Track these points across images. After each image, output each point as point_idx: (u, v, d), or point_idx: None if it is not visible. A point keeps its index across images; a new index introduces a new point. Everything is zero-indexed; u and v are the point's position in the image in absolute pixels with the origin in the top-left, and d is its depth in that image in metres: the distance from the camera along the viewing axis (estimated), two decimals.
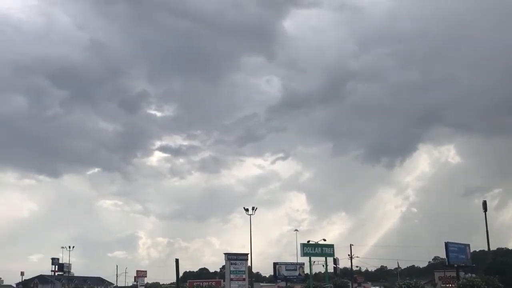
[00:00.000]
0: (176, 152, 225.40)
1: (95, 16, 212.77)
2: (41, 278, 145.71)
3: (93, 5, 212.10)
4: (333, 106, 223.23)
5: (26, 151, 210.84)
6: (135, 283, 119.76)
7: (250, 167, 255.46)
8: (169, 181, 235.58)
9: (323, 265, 69.75)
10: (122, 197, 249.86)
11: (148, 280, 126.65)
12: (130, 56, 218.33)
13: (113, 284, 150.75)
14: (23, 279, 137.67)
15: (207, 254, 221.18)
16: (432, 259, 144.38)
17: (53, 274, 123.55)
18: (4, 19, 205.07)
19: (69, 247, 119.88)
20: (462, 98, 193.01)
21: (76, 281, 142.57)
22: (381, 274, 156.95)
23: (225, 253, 66.69)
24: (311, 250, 63.69)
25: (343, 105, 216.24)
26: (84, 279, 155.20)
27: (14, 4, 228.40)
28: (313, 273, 77.55)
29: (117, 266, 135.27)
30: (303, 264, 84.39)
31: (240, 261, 65.39)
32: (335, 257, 79.59)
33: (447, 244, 61.82)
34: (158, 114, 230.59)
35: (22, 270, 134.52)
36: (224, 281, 79.30)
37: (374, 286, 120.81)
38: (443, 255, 70.03)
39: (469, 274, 66.50)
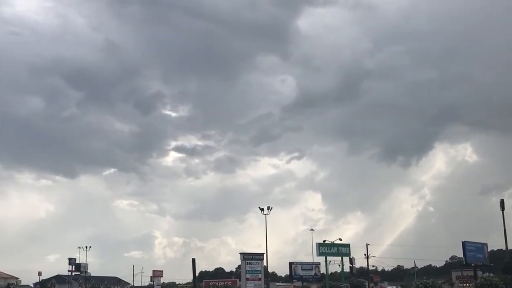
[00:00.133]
0: (191, 152, 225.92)
1: (110, 17, 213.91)
2: (58, 278, 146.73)
3: (107, 6, 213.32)
4: (348, 105, 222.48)
5: (43, 152, 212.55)
6: (151, 283, 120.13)
7: (265, 167, 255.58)
8: (185, 181, 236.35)
9: (339, 265, 69.54)
10: (138, 197, 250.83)
11: (164, 279, 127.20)
12: (144, 56, 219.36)
13: (130, 284, 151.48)
14: (40, 279, 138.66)
15: (223, 253, 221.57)
16: (449, 259, 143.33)
17: (70, 274, 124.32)
18: (20, 21, 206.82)
19: (86, 247, 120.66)
20: (479, 96, 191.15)
21: (93, 281, 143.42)
22: (398, 273, 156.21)
23: (240, 253, 66.68)
24: (327, 249, 63.61)
25: (358, 104, 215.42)
26: (101, 279, 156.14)
27: (29, 6, 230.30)
28: (329, 272, 77.38)
29: (133, 266, 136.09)
30: (319, 263, 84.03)
31: (255, 261, 65.30)
32: (351, 257, 79.31)
33: (464, 243, 61.36)
34: (173, 114, 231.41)
35: (40, 270, 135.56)
36: (240, 280, 79.23)
37: (390, 285, 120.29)
38: (460, 254, 69.57)
39: (487, 274, 66.01)
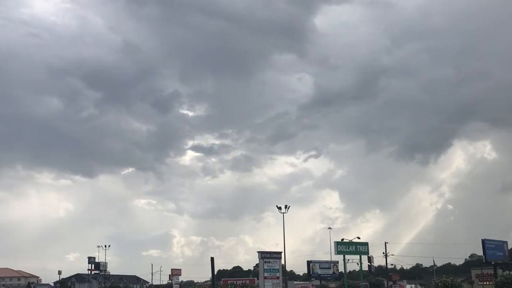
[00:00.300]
0: (208, 151, 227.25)
1: (127, 17, 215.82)
2: (78, 277, 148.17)
3: (125, 7, 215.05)
4: (365, 103, 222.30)
5: (62, 152, 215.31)
6: (170, 281, 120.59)
7: (282, 165, 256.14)
8: (202, 180, 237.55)
9: (358, 263, 69.21)
10: (156, 196, 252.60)
11: (183, 278, 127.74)
12: (162, 56, 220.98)
13: (148, 282, 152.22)
14: (60, 278, 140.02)
15: (241, 252, 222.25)
16: (469, 257, 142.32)
17: (89, 272, 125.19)
18: (39, 22, 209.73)
19: (105, 246, 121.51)
20: (497, 92, 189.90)
21: (112, 280, 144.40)
22: (417, 272, 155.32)
23: (258, 252, 66.61)
24: (345, 248, 63.37)
25: (376, 102, 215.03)
26: (120, 278, 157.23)
27: (48, 7, 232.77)
28: (348, 271, 77.12)
29: (152, 264, 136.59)
30: (337, 262, 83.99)
31: (273, 260, 65.24)
32: (369, 255, 78.78)
33: (484, 241, 60.88)
34: (190, 113, 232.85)
35: (60, 269, 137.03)
36: (258, 279, 79.30)
37: (409, 284, 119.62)
38: (480, 252, 69.13)
39: (507, 272, 65.26)
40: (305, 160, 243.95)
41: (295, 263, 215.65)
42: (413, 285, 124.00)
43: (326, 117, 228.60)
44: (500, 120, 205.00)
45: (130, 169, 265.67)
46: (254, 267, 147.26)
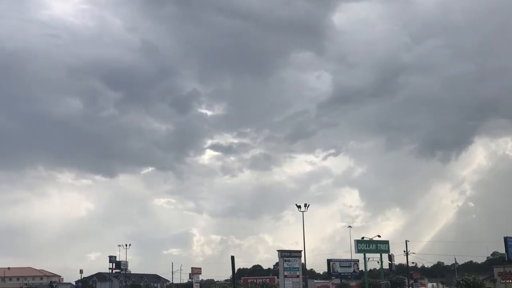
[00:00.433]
0: (227, 150, 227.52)
1: (145, 17, 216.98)
2: (99, 276, 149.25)
3: (143, 7, 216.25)
4: (385, 100, 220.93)
5: (82, 152, 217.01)
6: (190, 280, 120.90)
7: (301, 164, 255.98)
8: (221, 179, 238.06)
9: (378, 262, 68.88)
10: (176, 195, 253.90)
11: (203, 277, 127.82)
12: (180, 56, 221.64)
13: (169, 281, 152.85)
14: (82, 277, 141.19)
15: (261, 251, 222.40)
16: (491, 255, 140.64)
17: (110, 271, 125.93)
18: (58, 23, 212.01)
19: (126, 245, 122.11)
20: None
21: (133, 279, 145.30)
22: (438, 270, 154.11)
23: (278, 250, 66.56)
24: (366, 246, 63.14)
25: (396, 99, 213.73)
26: (141, 277, 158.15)
27: (67, 8, 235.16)
28: (368, 269, 76.75)
29: (172, 263, 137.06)
30: (358, 260, 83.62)
31: (293, 258, 65.17)
32: (390, 254, 78.40)
33: (506, 239, 60.37)
34: (209, 113, 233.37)
35: (81, 268, 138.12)
36: (278, 278, 79.27)
37: (431, 282, 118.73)
38: (502, 250, 68.46)
39: None
40: (324, 158, 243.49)
41: (315, 262, 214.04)
42: (434, 284, 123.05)
43: (345, 114, 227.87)
44: None
45: (150, 169, 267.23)
46: (274, 265, 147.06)
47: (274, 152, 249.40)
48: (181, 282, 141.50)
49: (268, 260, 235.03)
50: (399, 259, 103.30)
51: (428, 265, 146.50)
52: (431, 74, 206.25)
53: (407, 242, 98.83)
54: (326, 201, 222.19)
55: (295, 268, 64.90)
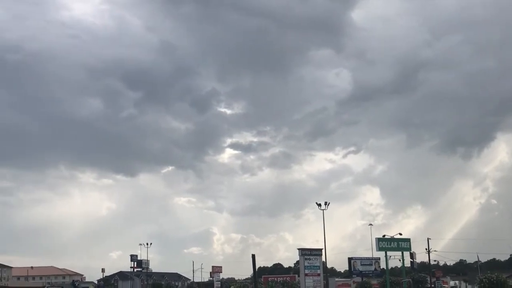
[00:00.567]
0: (246, 148, 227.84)
1: (164, 17, 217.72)
2: (121, 275, 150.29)
3: (162, 6, 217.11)
4: (405, 97, 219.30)
5: (103, 152, 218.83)
6: (211, 278, 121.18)
7: (321, 162, 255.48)
8: (241, 177, 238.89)
9: (400, 260, 68.24)
10: (196, 194, 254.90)
11: (223, 275, 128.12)
12: (199, 55, 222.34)
13: (190, 279, 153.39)
14: (104, 276, 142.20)
15: (281, 249, 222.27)
16: None
17: (132, 270, 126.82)
18: (77, 24, 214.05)
19: (147, 244, 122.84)
20: None
21: (154, 277, 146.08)
22: (461, 268, 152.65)
23: (299, 249, 66.19)
24: (387, 244, 62.47)
25: (416, 95, 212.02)
26: (162, 275, 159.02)
27: (86, 9, 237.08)
28: (390, 268, 76.13)
29: (193, 262, 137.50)
30: (379, 259, 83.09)
31: (314, 256, 64.78)
32: (412, 251, 77.74)
33: None
34: (228, 111, 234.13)
35: (103, 267, 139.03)
36: (298, 276, 79.00)
37: (453, 280, 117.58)
38: None
39: None
40: (344, 156, 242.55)
41: (336, 260, 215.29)
42: (457, 281, 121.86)
43: (365, 112, 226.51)
44: None
45: (170, 168, 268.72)
46: (294, 264, 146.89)
47: (294, 150, 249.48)
48: (202, 280, 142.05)
49: (288, 258, 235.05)
50: (421, 257, 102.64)
51: (450, 263, 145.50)
52: (451, 70, 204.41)
53: (429, 240, 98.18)
54: (346, 199, 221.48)
55: (316, 266, 64.52)
